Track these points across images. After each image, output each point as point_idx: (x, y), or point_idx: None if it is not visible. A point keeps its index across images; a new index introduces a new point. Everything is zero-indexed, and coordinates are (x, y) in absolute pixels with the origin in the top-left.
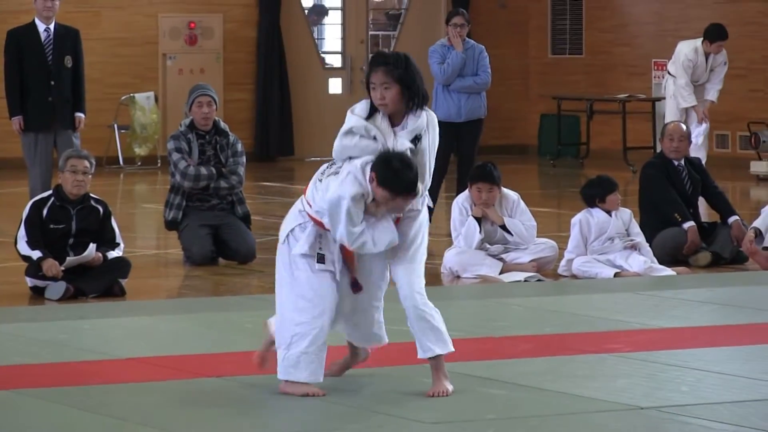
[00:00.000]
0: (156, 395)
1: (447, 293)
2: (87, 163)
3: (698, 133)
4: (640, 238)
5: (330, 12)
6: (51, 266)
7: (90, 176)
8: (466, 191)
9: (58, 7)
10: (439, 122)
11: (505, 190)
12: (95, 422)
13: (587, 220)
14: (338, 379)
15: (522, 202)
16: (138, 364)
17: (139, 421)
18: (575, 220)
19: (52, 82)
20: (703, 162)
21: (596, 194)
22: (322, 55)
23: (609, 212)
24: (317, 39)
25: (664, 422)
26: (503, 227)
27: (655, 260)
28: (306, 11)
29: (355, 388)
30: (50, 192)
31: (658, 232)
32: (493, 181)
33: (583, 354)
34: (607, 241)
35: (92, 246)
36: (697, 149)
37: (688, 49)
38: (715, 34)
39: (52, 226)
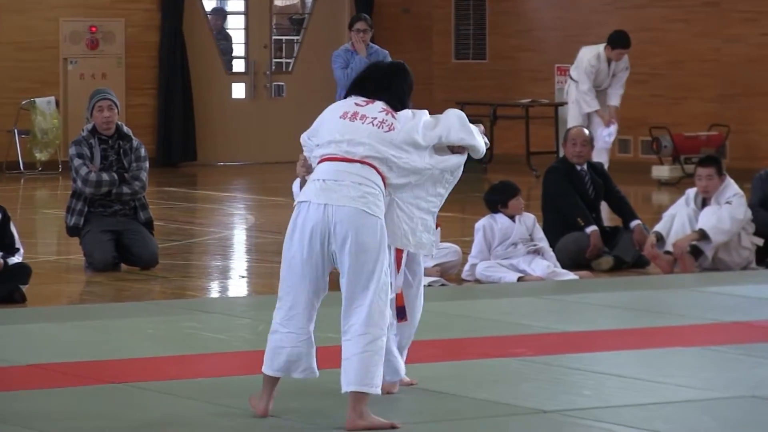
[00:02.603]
0: (58, 402)
1: None
2: None
3: (609, 133)
4: (543, 243)
5: (233, 17)
6: None
7: None
8: None
9: None
10: None
11: None
12: None
13: (491, 225)
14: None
15: None
16: (39, 371)
17: (41, 429)
18: (479, 225)
19: None
20: (606, 167)
21: (499, 199)
22: (225, 59)
23: (512, 217)
24: (220, 43)
25: (567, 425)
26: None
27: (558, 264)
28: (208, 16)
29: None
30: None
31: (561, 237)
32: None
33: (487, 358)
34: (511, 246)
35: None
36: (600, 154)
37: (590, 54)
38: (617, 42)
39: None
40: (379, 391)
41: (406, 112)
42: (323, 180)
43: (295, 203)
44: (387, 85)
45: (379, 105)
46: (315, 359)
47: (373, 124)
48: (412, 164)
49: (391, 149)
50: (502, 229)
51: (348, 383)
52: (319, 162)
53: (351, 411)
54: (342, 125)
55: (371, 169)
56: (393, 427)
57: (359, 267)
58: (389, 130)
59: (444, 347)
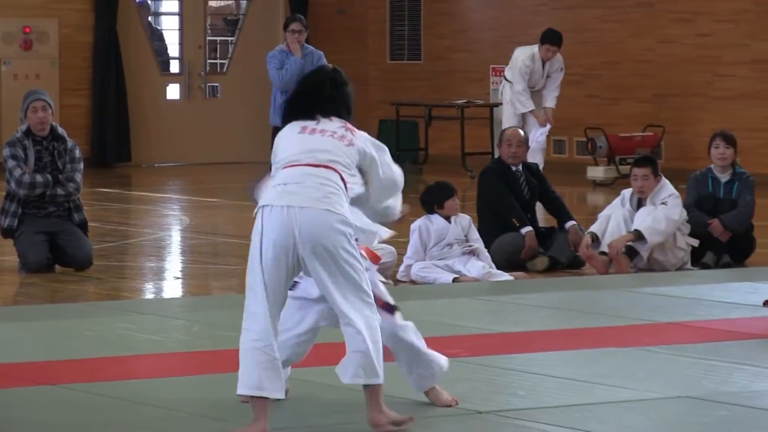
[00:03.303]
0: None
1: None
2: None
3: (541, 133)
4: (479, 243)
5: (167, 17)
6: None
7: None
8: None
9: None
10: (278, 128)
11: None
12: None
13: (426, 226)
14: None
15: None
16: None
17: None
18: (414, 226)
19: None
20: (541, 167)
21: (434, 200)
22: (160, 60)
23: (448, 218)
24: (154, 44)
25: (503, 426)
26: None
27: (494, 265)
28: (139, 10)
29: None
30: None
31: (496, 237)
32: None
33: None
34: (446, 247)
35: None
36: (535, 154)
37: (524, 55)
38: (547, 38)
39: None
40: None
41: (365, 137)
42: (284, 184)
43: (255, 209)
44: (329, 96)
45: (337, 122)
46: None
47: (333, 137)
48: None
49: (351, 161)
50: (437, 230)
51: (355, 376)
52: (282, 169)
53: (370, 405)
54: (301, 139)
55: (335, 173)
56: (411, 419)
57: (332, 267)
58: (349, 144)
59: None
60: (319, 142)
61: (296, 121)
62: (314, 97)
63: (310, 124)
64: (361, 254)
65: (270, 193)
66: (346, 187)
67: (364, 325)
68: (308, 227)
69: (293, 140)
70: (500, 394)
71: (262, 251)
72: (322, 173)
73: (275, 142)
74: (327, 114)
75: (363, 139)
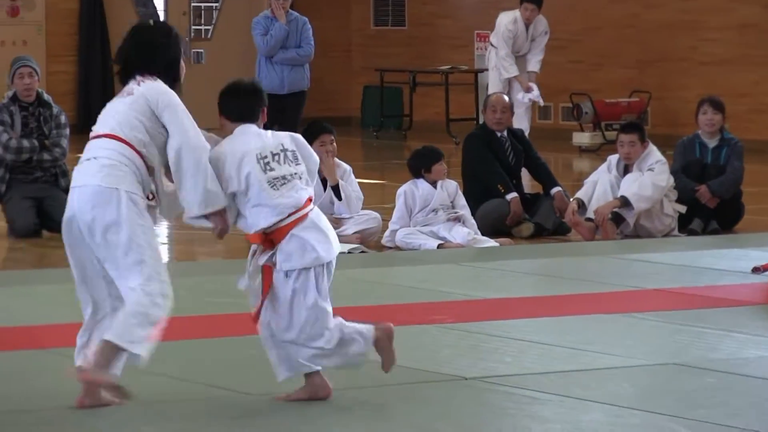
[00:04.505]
0: None
1: None
2: None
3: (534, 96)
4: (464, 210)
5: None
6: None
7: None
8: None
9: None
10: None
11: (337, 160)
12: None
13: (412, 191)
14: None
15: (353, 174)
16: None
17: None
18: (400, 191)
19: None
20: (526, 133)
21: (422, 164)
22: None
23: (434, 183)
24: (139, 10)
25: (488, 392)
26: (335, 189)
27: (479, 231)
28: None
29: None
30: None
31: (481, 204)
32: (332, 131)
33: (407, 325)
34: (431, 213)
35: None
36: (520, 120)
37: (507, 19)
38: None
39: None
40: (136, 350)
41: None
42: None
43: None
44: (151, 56)
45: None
46: None
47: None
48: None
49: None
50: (423, 195)
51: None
52: None
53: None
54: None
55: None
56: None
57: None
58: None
59: (363, 314)
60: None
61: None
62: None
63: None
64: None
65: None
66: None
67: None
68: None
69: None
70: (485, 360)
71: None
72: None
73: None
74: None
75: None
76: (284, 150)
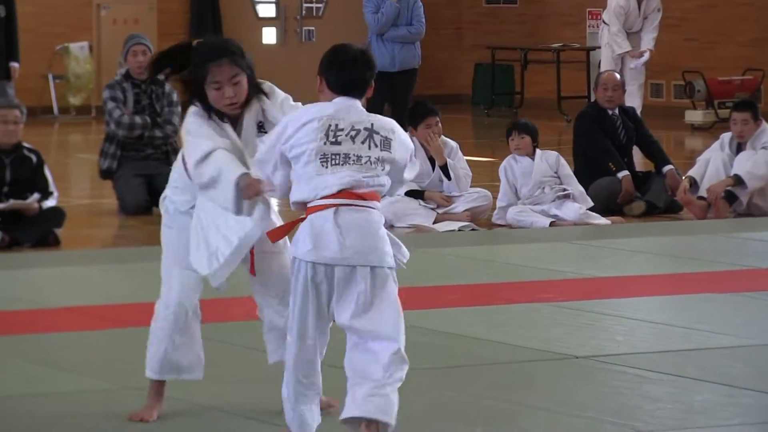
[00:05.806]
0: (89, 344)
1: None
2: (17, 113)
3: (638, 63)
4: (571, 180)
5: None
6: None
7: (21, 125)
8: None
9: None
10: (380, 72)
11: (444, 137)
12: (25, 370)
13: (511, 166)
14: None
15: (460, 151)
16: (72, 314)
17: (70, 370)
18: (501, 167)
19: None
20: (638, 111)
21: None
22: (256, 4)
23: (531, 156)
24: None
25: (599, 371)
26: (444, 168)
27: (591, 202)
28: None
29: None
30: None
31: (593, 181)
32: (437, 113)
33: (517, 303)
34: (538, 190)
35: (36, 195)
36: (632, 98)
37: None
38: None
39: None
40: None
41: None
42: None
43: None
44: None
45: None
46: None
47: None
48: None
49: None
50: (522, 168)
51: None
52: None
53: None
54: None
55: None
56: None
57: None
58: None
59: (473, 292)
60: None
61: None
62: None
63: None
64: None
65: None
66: None
67: None
68: None
69: None
70: (596, 339)
71: None
72: None
73: None
74: None
75: None
76: (372, 131)
